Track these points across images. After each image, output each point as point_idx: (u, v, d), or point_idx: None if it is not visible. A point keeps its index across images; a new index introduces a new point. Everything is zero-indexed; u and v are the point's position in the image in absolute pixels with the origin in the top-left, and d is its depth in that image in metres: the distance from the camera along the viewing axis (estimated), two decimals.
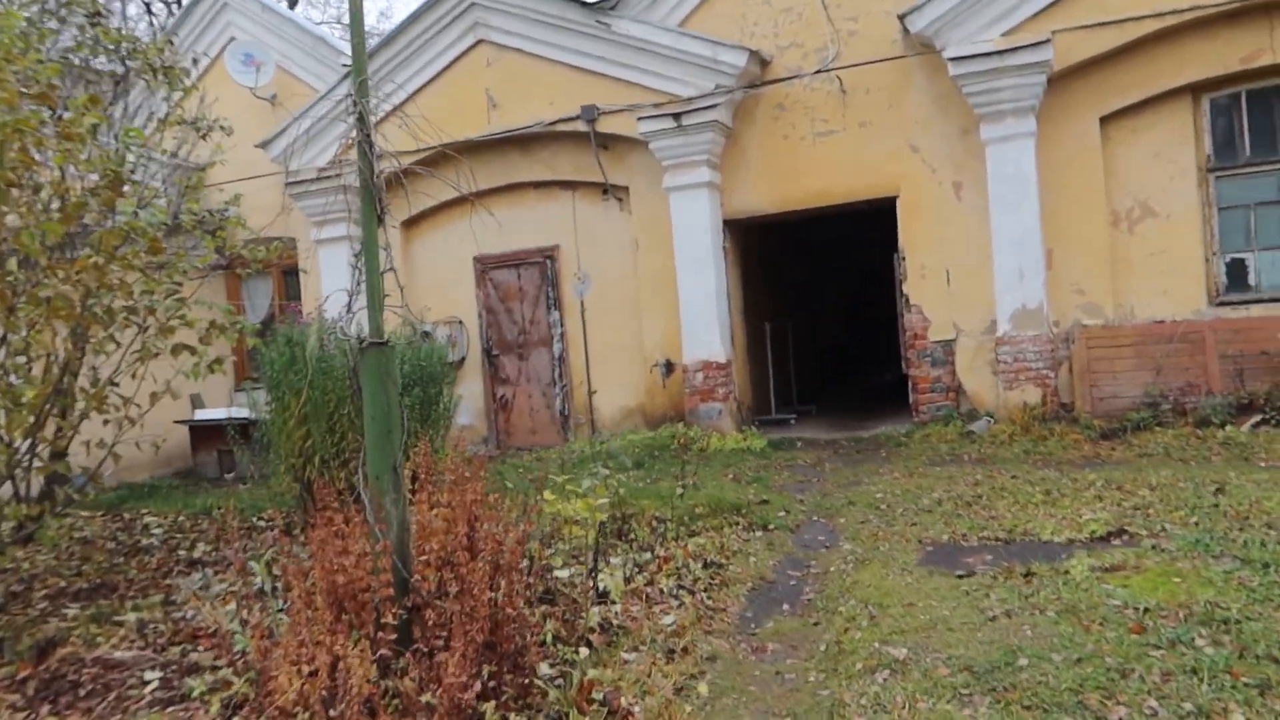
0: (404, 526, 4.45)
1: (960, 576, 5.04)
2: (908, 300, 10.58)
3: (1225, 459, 7.72)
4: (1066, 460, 8.24)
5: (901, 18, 10.00)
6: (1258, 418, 8.73)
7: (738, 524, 6.75)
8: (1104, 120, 9.77)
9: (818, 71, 10.82)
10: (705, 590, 5.40)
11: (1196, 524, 5.47)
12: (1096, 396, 9.68)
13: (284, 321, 8.70)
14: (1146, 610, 4.04)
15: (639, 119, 11.02)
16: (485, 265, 12.67)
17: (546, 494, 5.18)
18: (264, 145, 13.03)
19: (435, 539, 4.60)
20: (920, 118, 10.42)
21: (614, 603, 5.25)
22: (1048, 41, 9.31)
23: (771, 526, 6.73)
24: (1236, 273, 9.70)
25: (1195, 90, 9.58)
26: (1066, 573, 4.74)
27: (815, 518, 7.00)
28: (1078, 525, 5.77)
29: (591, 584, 5.32)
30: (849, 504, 7.18)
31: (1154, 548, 4.95)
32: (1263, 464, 7.46)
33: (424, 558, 4.42)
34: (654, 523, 6.66)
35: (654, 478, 9.13)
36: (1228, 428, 8.55)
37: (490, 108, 12.09)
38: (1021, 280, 9.71)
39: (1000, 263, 9.80)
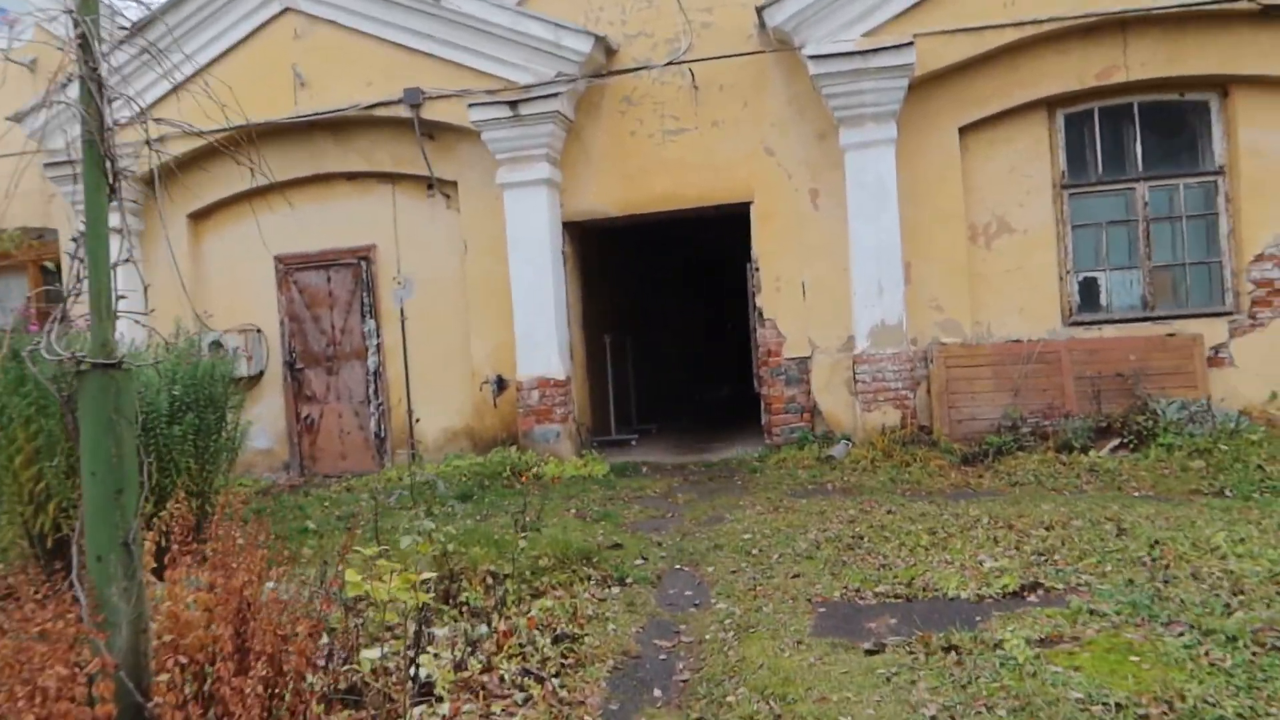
0: (140, 628, 3.12)
1: (870, 652, 4.15)
2: (761, 314, 9.85)
3: (1098, 488, 7.33)
4: (937, 490, 7.65)
5: (759, 10, 9.26)
6: (1115, 441, 8.47)
7: (589, 578, 5.67)
8: (963, 131, 9.37)
9: (668, 63, 9.94)
10: (557, 674, 4.28)
11: (1115, 575, 4.84)
12: (955, 418, 9.23)
13: (12, 330, 6.93)
14: (1119, 707, 3.25)
15: (470, 106, 9.80)
16: (289, 266, 11.05)
17: (349, 573, 3.91)
18: (17, 119, 10.91)
19: (191, 636, 3.30)
20: (777, 119, 9.73)
21: (440, 699, 4.05)
22: (910, 44, 8.79)
23: (629, 580, 5.68)
24: (1089, 292, 9.51)
25: (1051, 105, 9.33)
26: (998, 647, 3.93)
27: (678, 565, 6.01)
28: (982, 576, 5.04)
29: (411, 675, 4.10)
30: (714, 547, 6.25)
31: (1089, 611, 4.23)
32: (1137, 493, 7.09)
33: (166, 674, 3.11)
34: (489, 580, 5.47)
35: (485, 513, 7.94)
36: (1091, 453, 8.23)
37: (298, 86, 10.54)
38: (881, 295, 9.15)
39: (859, 275, 9.20)
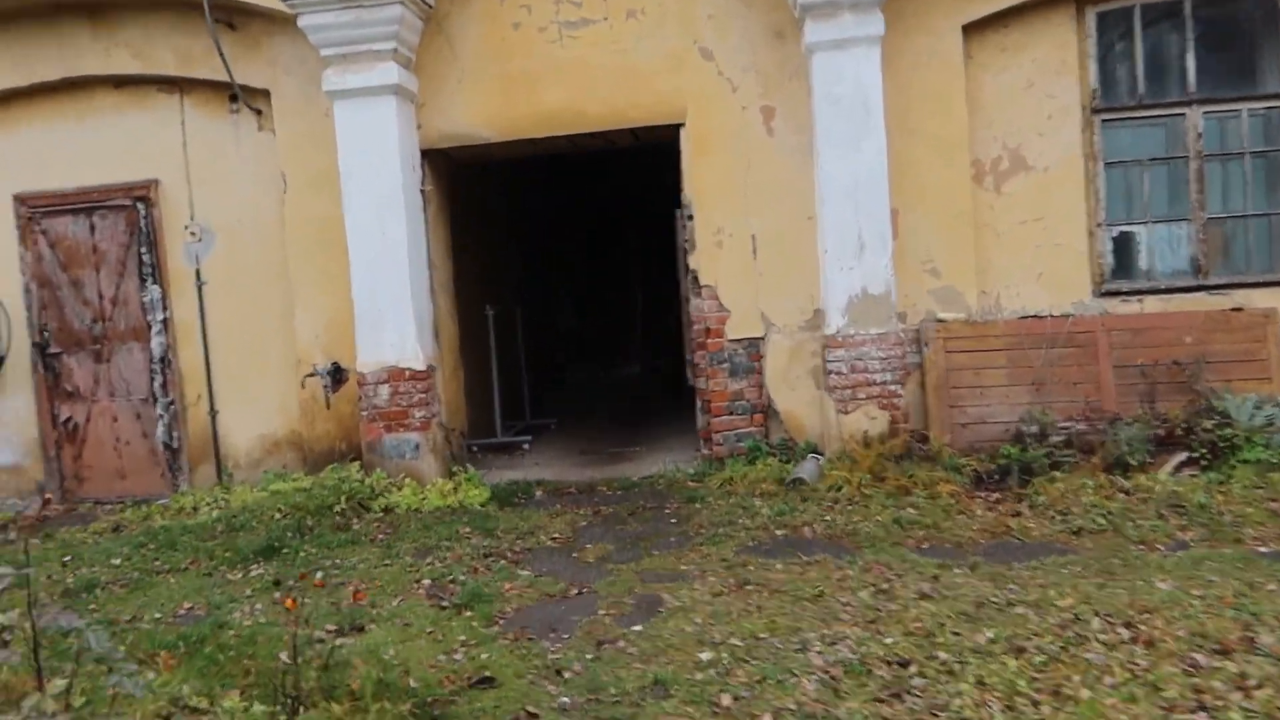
0: None
1: None
2: (696, 279, 7.23)
3: (1201, 536, 5.03)
4: (967, 540, 5.22)
5: None
6: (1181, 456, 6.21)
7: None
8: (968, 32, 6.90)
9: None
10: None
11: None
12: (959, 421, 6.85)
13: None
14: None
15: None
16: (35, 210, 7.86)
17: None
18: None
19: None
20: (716, 8, 7.05)
21: None
22: None
23: None
24: (1124, 252, 7.21)
25: (1080, 0, 6.95)
26: None
27: None
28: None
29: None
30: (654, 684, 3.63)
31: None
32: (1263, 548, 4.81)
33: None
34: None
35: (291, 585, 5.16)
36: (1161, 475, 5.94)
37: None
38: (860, 253, 6.64)
39: (830, 226, 6.67)
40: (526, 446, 8.89)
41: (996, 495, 6.07)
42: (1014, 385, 6.81)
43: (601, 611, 4.48)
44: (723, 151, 7.05)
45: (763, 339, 7.11)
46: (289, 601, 4.41)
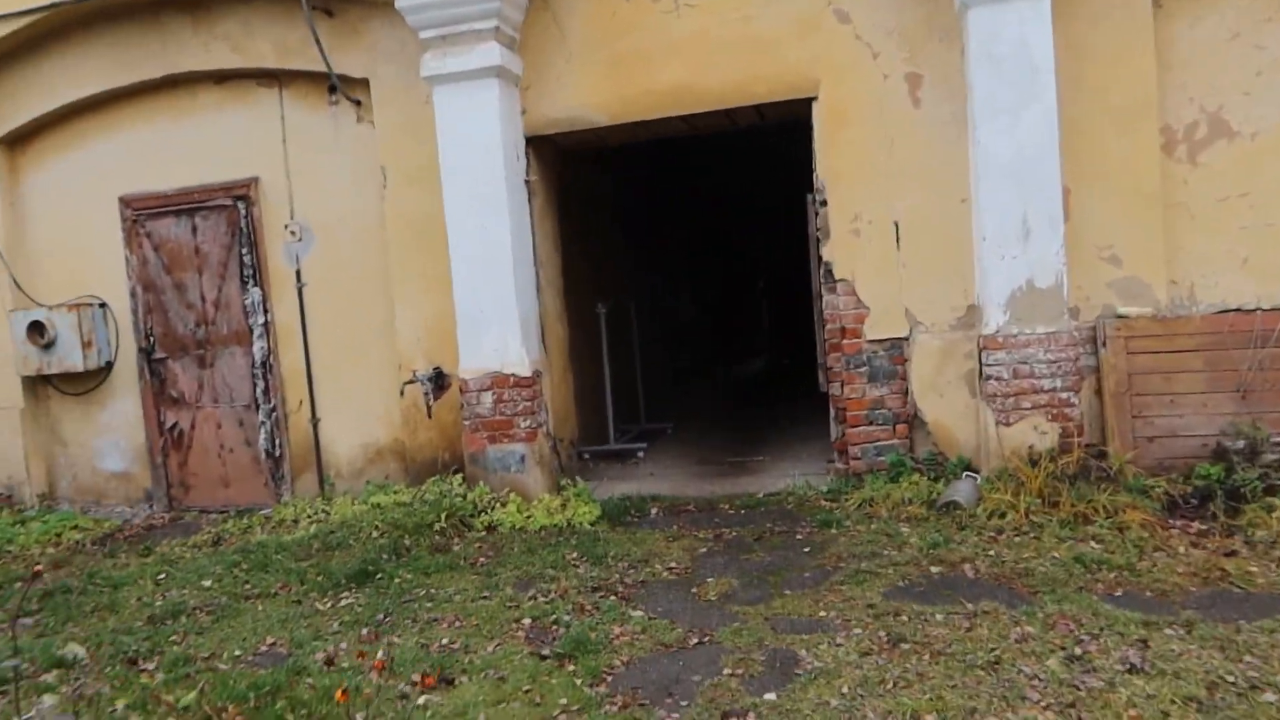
0: None
1: None
2: (829, 272, 6.42)
3: None
4: (1173, 586, 4.26)
5: None
6: None
7: None
8: None
9: None
10: None
11: None
12: (1144, 435, 5.83)
13: None
14: None
15: None
16: (139, 213, 7.67)
17: None
18: None
19: None
20: None
21: None
22: None
23: None
24: None
25: None
26: None
27: None
28: None
29: None
30: None
31: None
32: None
33: None
34: None
35: (384, 615, 4.67)
36: None
37: None
38: (1026, 239, 5.70)
39: (988, 209, 5.76)
40: (641, 455, 8.25)
41: (1198, 526, 5.06)
42: (1213, 392, 5.74)
43: (726, 671, 3.76)
44: (861, 126, 6.21)
45: (907, 339, 6.24)
46: (377, 663, 3.90)
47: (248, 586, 5.45)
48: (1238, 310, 5.84)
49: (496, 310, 6.50)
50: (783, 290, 14.85)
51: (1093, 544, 4.86)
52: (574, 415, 7.67)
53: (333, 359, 7.39)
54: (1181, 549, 4.71)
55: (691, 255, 14.13)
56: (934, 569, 4.71)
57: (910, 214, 6.17)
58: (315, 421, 7.43)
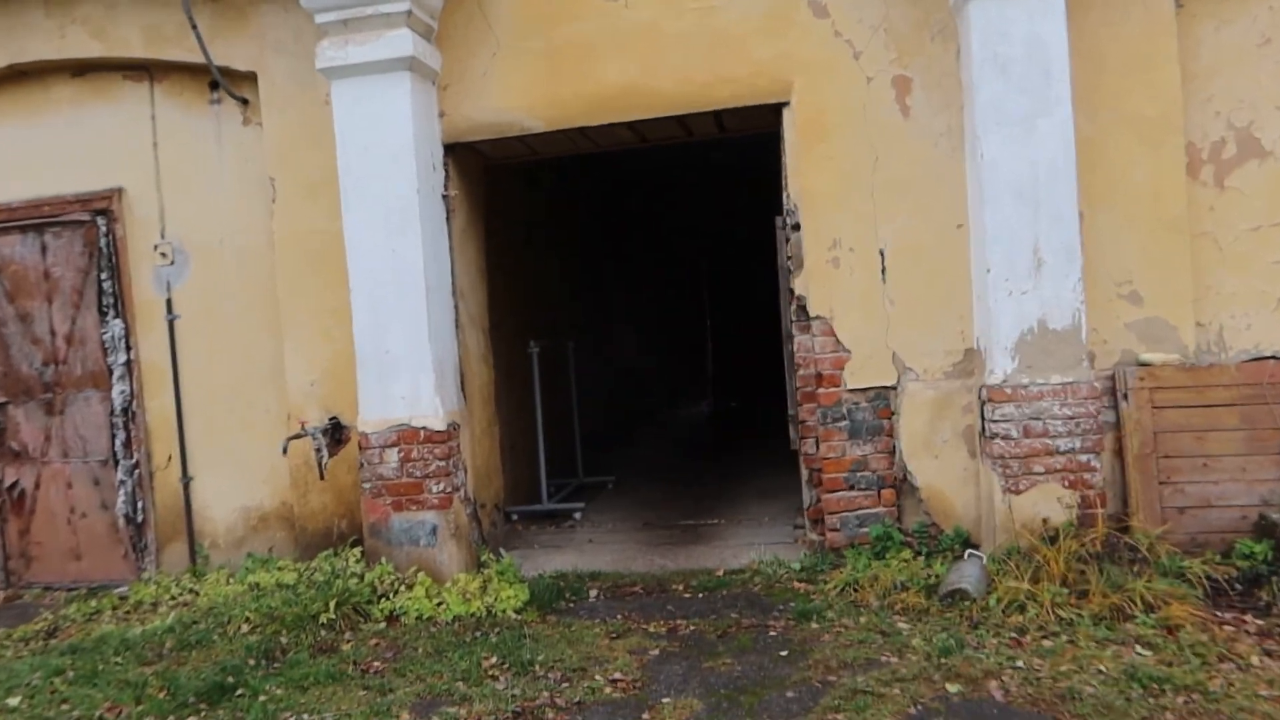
0: None
1: None
2: (803, 309, 5.44)
3: None
4: (1267, 717, 3.32)
5: None
6: None
7: None
8: None
9: None
10: None
11: None
12: (1174, 505, 4.93)
13: None
14: None
15: None
16: None
17: None
18: None
19: None
20: None
21: None
22: None
23: None
24: None
25: None
26: None
27: None
28: None
29: None
30: None
31: None
32: None
33: None
34: None
35: None
36: None
37: None
38: (1038, 271, 4.81)
39: (995, 235, 4.85)
40: (578, 516, 7.16)
41: (1257, 622, 4.16)
42: (1253, 454, 4.88)
43: None
44: (841, 138, 5.27)
45: (895, 389, 5.29)
46: None
47: (65, 707, 4.20)
48: (1274, 358, 5.01)
49: (406, 351, 5.38)
50: (730, 326, 13.94)
51: (1139, 650, 3.90)
52: (500, 472, 6.55)
53: (210, 406, 6.17)
54: (1254, 658, 3.77)
55: (636, 287, 13.14)
56: (951, 687, 3.69)
57: (898, 241, 5.24)
58: (187, 481, 6.19)
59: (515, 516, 7.09)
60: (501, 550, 5.85)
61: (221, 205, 6.10)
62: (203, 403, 6.18)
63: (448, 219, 5.76)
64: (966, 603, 4.46)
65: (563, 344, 8.34)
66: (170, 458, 6.22)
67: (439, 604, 5.10)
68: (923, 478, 5.25)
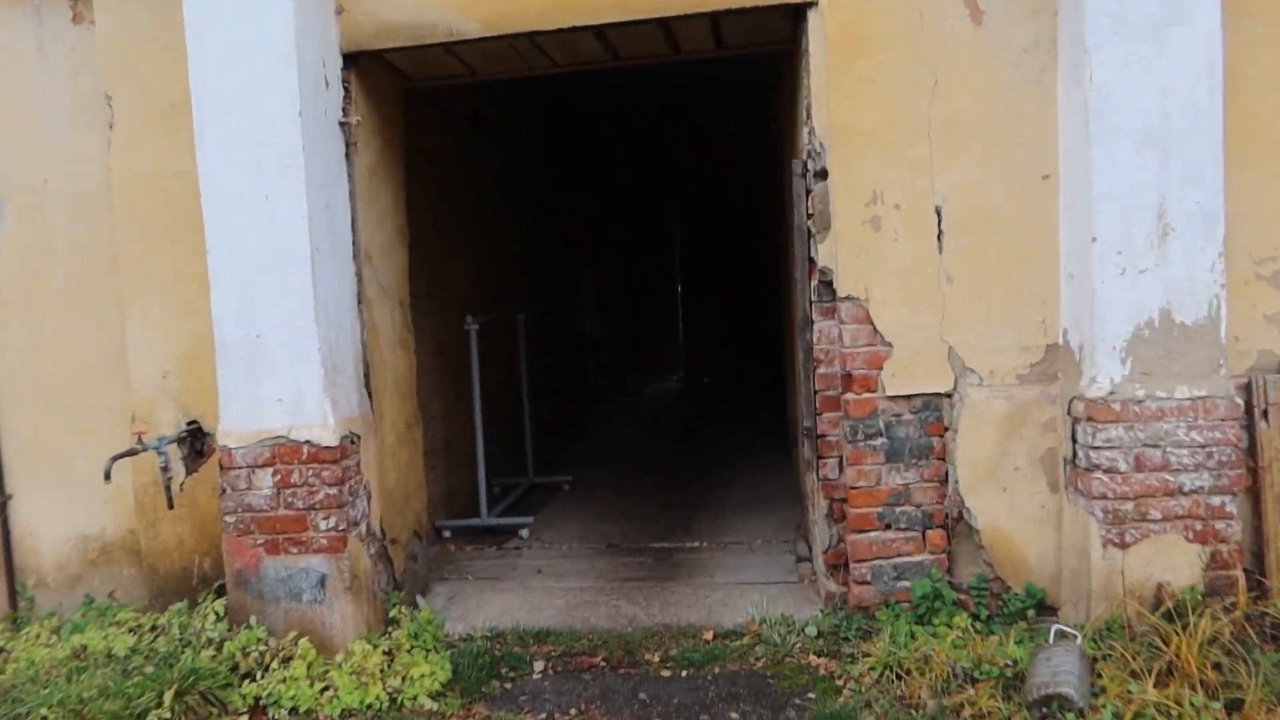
0: None
1: None
2: (827, 284, 4.04)
3: None
4: None
5: None
6: None
7: None
8: None
9: None
10: None
11: None
12: None
13: None
14: None
15: None
16: None
17: None
18: None
19: None
20: None
21: None
22: None
23: None
24: None
25: None
26: None
27: None
28: None
29: None
30: None
31: None
32: None
33: None
34: None
35: None
36: None
37: None
38: (1163, 244, 3.46)
39: (1104, 190, 3.49)
40: (525, 533, 5.77)
41: None
42: None
43: None
44: (887, 54, 3.84)
45: (950, 397, 3.92)
46: None
47: None
48: None
49: (283, 336, 3.90)
50: (705, 292, 12.55)
51: None
52: (423, 488, 5.11)
53: (34, 403, 4.65)
54: None
55: (598, 246, 11.64)
56: None
57: (961, 196, 3.84)
58: (4, 500, 4.68)
59: (448, 533, 5.70)
60: (419, 599, 4.45)
61: (48, 135, 4.53)
62: (24, 399, 4.65)
63: (347, 155, 4.24)
64: (1069, 715, 3.14)
65: (511, 317, 6.88)
66: None
67: (324, 689, 3.69)
68: (985, 517, 3.91)
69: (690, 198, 12.41)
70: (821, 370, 4.10)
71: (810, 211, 4.06)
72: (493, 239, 7.04)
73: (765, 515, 5.99)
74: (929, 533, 3.96)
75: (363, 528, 4.10)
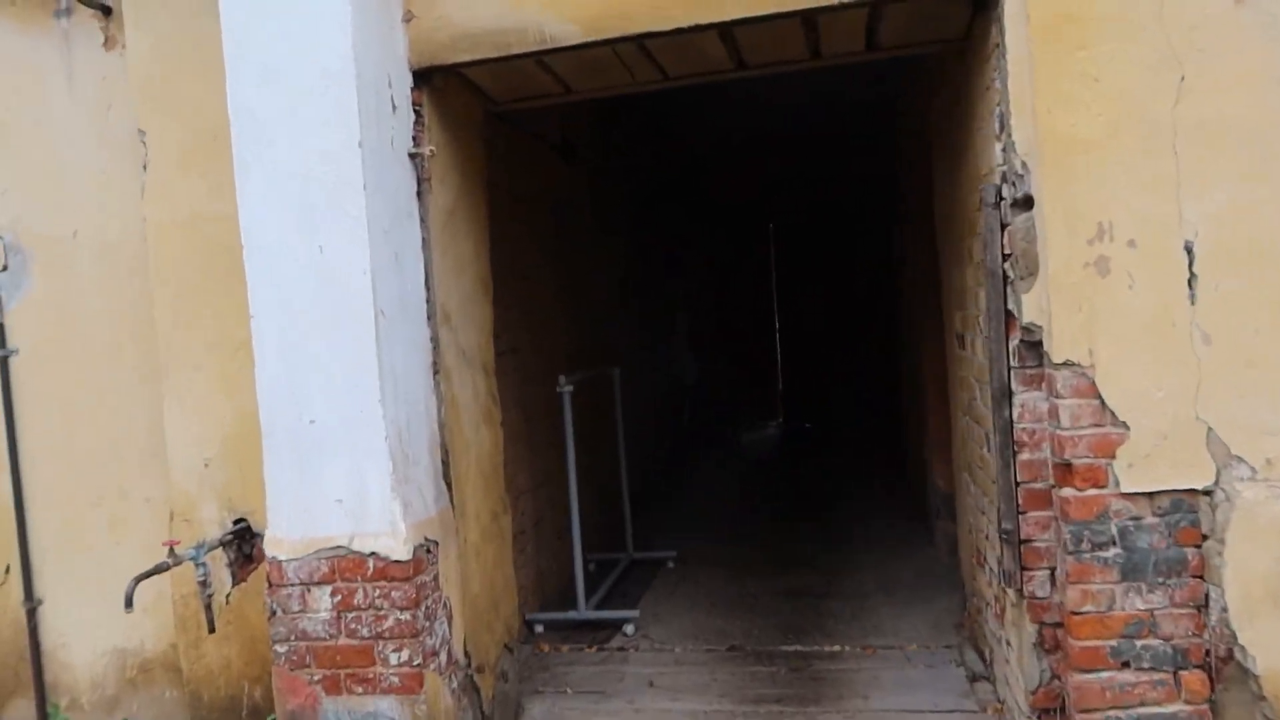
0: None
1: None
2: (1035, 343, 3.10)
3: None
4: None
5: None
6: None
7: None
8: None
9: None
10: None
11: None
12: None
13: None
14: None
15: None
16: None
17: None
18: None
19: None
20: None
21: None
22: None
23: None
24: None
25: None
26: None
27: None
28: None
29: None
30: None
31: None
32: None
33: None
34: None
35: None
36: None
37: None
38: None
39: None
40: (630, 630, 4.90)
41: None
42: None
43: None
44: (1115, 42, 2.91)
45: (1210, 494, 2.93)
46: None
47: None
48: None
49: (341, 419, 3.13)
50: (801, 331, 11.63)
51: None
52: (514, 583, 4.29)
53: (65, 490, 4.00)
54: None
55: (693, 287, 10.78)
56: None
57: (1220, 226, 2.88)
58: (33, 606, 4.02)
59: (539, 629, 4.89)
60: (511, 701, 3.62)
61: (74, 178, 3.90)
62: (54, 485, 4.00)
63: (419, 194, 3.48)
64: None
65: (606, 373, 6.07)
66: (8, 569, 4.05)
67: None
68: (1266, 656, 2.90)
69: (788, 228, 11.54)
70: (1025, 456, 3.15)
71: (1007, 251, 3.14)
72: (581, 284, 6.26)
73: (913, 607, 5.05)
74: (1184, 675, 2.96)
75: (442, 658, 3.28)
